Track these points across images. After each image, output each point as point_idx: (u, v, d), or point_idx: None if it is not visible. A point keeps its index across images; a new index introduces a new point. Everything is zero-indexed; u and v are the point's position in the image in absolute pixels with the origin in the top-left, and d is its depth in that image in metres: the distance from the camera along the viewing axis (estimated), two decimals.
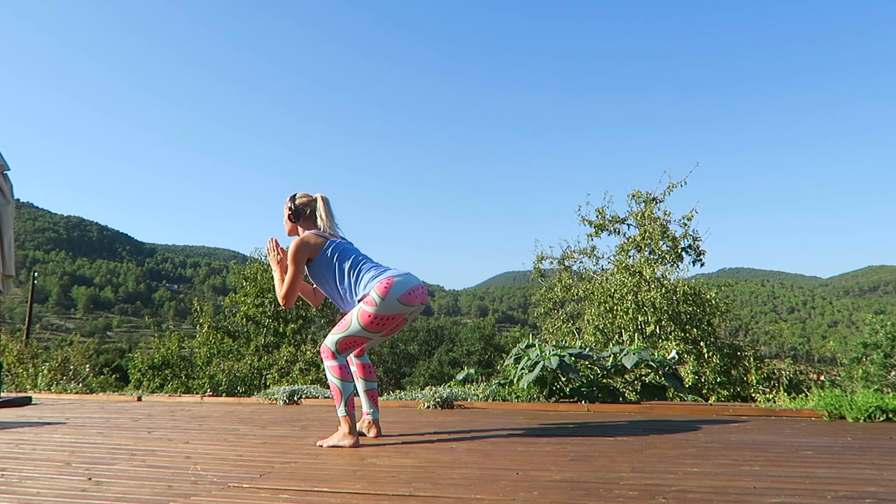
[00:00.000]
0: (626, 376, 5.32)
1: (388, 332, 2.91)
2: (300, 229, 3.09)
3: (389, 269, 2.92)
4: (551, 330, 10.90)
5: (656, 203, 10.18)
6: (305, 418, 4.13)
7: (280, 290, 2.97)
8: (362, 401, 3.12)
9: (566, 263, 11.14)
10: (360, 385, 3.12)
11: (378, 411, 3.13)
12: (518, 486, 1.91)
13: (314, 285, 3.23)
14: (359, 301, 2.86)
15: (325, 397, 5.39)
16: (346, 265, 2.92)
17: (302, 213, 3.07)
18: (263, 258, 13.92)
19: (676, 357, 5.76)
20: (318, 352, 11.64)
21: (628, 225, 10.49)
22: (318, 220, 3.05)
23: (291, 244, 2.93)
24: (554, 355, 4.57)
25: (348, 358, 3.09)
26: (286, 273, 2.97)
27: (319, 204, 3.07)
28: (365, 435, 3.08)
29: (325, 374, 2.92)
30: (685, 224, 9.94)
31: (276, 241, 3.16)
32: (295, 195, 3.11)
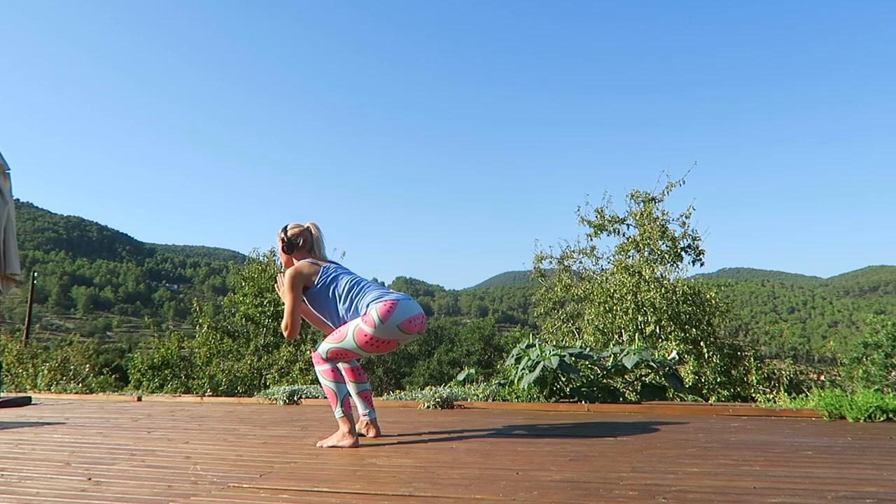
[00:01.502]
0: (626, 376, 5.32)
1: (381, 351, 2.90)
2: (294, 260, 3.07)
3: (392, 293, 2.90)
4: (551, 330, 10.89)
5: (655, 203, 10.17)
6: (305, 418, 4.13)
7: (283, 322, 2.92)
8: (357, 403, 3.12)
9: (566, 263, 11.13)
10: (351, 388, 3.10)
11: (374, 411, 3.13)
12: (518, 486, 1.91)
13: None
14: (359, 317, 2.85)
15: (325, 397, 5.39)
16: (345, 287, 2.90)
17: (295, 245, 3.05)
18: (262, 258, 13.94)
19: (677, 357, 5.76)
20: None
21: (627, 225, 10.49)
22: (313, 248, 3.07)
23: (286, 275, 2.90)
24: (554, 355, 4.57)
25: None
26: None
27: (312, 232, 3.08)
28: (364, 436, 3.08)
29: (318, 379, 2.90)
30: (684, 223, 9.94)
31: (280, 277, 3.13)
32: (286, 226, 3.08)
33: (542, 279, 11.57)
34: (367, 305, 2.81)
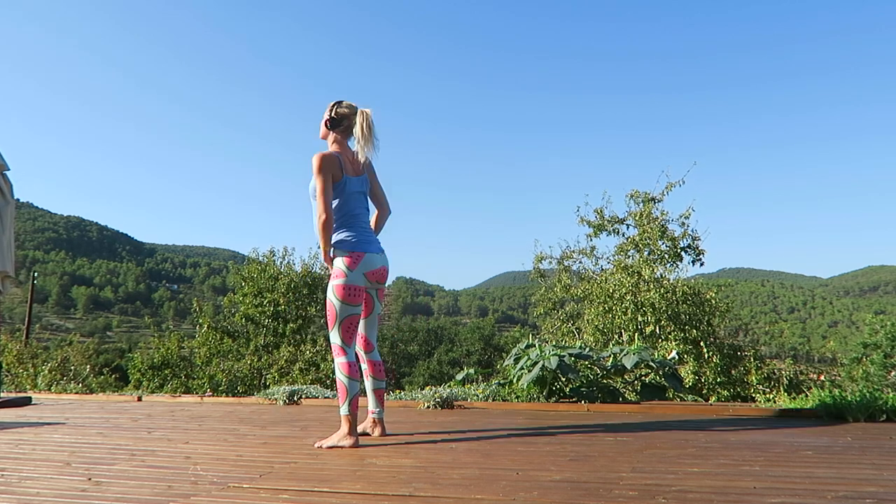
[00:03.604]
0: (626, 376, 5.32)
1: (361, 301, 2.93)
2: (332, 136, 3.06)
3: (359, 237, 2.94)
4: (551, 330, 10.88)
5: (655, 203, 10.17)
6: (305, 418, 4.13)
7: (318, 210, 2.87)
8: (369, 399, 3.14)
9: (566, 263, 11.13)
10: (368, 383, 3.13)
11: (383, 410, 3.16)
12: (518, 486, 1.91)
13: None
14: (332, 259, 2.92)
15: (325, 397, 5.40)
16: (339, 207, 2.96)
17: (339, 125, 3.04)
18: (262, 258, 13.96)
19: (677, 357, 5.76)
20: (317, 351, 11.70)
21: (627, 225, 10.48)
22: (356, 135, 2.97)
23: (315, 157, 2.89)
24: (553, 355, 4.57)
25: (359, 355, 3.11)
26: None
27: (359, 120, 2.96)
28: (369, 434, 3.10)
29: (333, 371, 3.00)
30: (683, 223, 9.93)
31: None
32: (341, 102, 3.06)
33: (541, 279, 11.56)
34: (339, 242, 2.92)
